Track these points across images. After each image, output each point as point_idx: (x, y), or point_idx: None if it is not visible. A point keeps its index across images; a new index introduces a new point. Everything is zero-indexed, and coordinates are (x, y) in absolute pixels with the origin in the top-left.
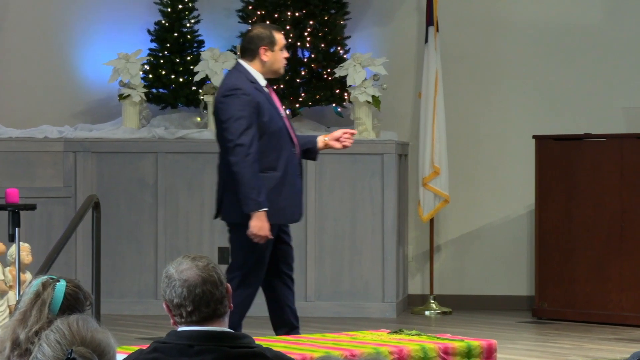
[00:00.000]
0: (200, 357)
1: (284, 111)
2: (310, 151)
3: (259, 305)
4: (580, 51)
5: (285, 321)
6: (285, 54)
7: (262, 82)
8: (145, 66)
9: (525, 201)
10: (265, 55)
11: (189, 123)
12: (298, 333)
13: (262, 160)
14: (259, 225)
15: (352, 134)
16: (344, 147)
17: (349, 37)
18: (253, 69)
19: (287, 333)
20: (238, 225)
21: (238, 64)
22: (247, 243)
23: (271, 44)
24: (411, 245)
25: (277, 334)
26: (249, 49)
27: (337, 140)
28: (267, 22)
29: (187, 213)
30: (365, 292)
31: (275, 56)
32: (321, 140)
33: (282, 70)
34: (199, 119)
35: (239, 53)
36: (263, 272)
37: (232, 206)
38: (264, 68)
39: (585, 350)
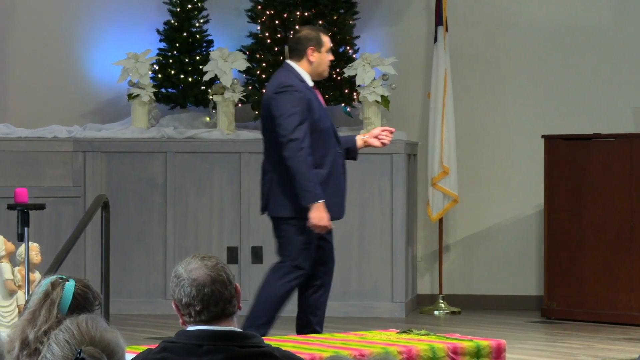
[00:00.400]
0: (209, 356)
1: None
2: (350, 151)
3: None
4: (589, 51)
5: (307, 323)
6: (331, 57)
7: (310, 82)
8: (155, 66)
9: (534, 201)
10: (312, 56)
11: (198, 123)
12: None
13: (312, 157)
14: (319, 216)
15: (391, 132)
16: (383, 144)
17: (358, 37)
18: (301, 69)
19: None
20: (289, 219)
21: (286, 63)
22: (299, 236)
23: (318, 45)
24: (420, 245)
25: (298, 333)
26: (296, 49)
27: (376, 137)
28: (313, 25)
29: (196, 213)
30: (374, 292)
31: (322, 57)
32: (360, 139)
33: (326, 73)
34: (208, 118)
35: (286, 54)
36: (310, 265)
37: (281, 201)
38: (310, 68)
39: (594, 350)
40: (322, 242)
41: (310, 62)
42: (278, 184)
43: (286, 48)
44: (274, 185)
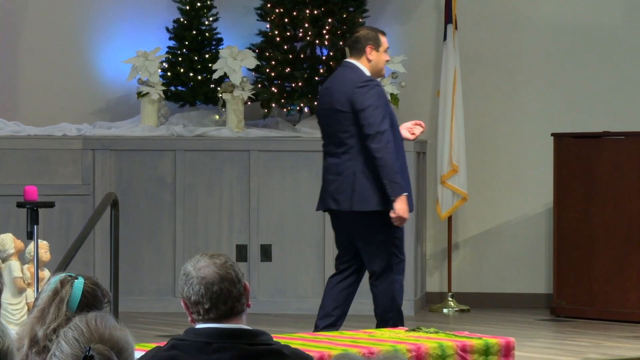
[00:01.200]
0: (218, 354)
1: None
2: None
3: (277, 303)
4: (598, 49)
5: (330, 314)
6: (387, 57)
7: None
8: (164, 64)
9: (543, 199)
10: (371, 55)
11: (207, 121)
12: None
13: None
14: (404, 207)
15: (422, 126)
16: (414, 136)
17: None
18: (363, 67)
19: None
20: (376, 213)
21: (349, 62)
22: (388, 228)
23: (376, 44)
24: (429, 243)
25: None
26: (356, 47)
27: (409, 130)
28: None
29: (205, 211)
30: None
31: (380, 57)
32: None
33: (383, 72)
34: (217, 116)
35: (347, 54)
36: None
37: (368, 195)
38: (370, 66)
39: (603, 348)
40: None
41: (369, 61)
42: (364, 177)
43: (346, 49)
44: (358, 179)
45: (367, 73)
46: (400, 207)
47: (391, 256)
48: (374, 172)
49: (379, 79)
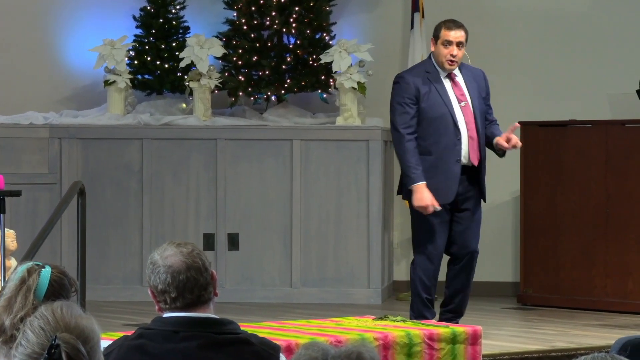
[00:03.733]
0: (185, 343)
1: (468, 99)
2: (494, 145)
3: (244, 292)
4: (566, 38)
5: (445, 302)
6: (446, 50)
7: (442, 71)
8: (131, 52)
9: (510, 187)
10: (432, 47)
11: (174, 109)
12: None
13: (420, 144)
14: (416, 197)
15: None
16: (512, 143)
17: (334, 24)
18: (431, 58)
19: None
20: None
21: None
22: (414, 217)
23: (436, 37)
24: (397, 231)
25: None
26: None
27: (507, 141)
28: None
29: (172, 200)
30: (350, 278)
31: (438, 49)
32: (497, 138)
33: (446, 65)
34: (184, 105)
35: None
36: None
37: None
38: (433, 57)
39: (570, 336)
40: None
41: (432, 52)
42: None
43: None
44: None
45: (436, 64)
46: (414, 197)
47: (416, 245)
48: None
49: (444, 72)
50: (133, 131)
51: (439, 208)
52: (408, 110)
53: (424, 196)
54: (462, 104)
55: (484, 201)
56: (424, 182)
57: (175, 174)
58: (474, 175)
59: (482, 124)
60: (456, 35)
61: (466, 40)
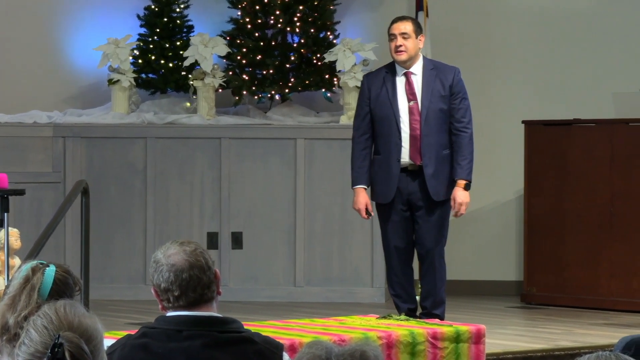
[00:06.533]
0: (189, 342)
1: (418, 98)
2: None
3: (248, 291)
4: (570, 37)
5: (421, 304)
6: (392, 43)
7: (400, 69)
8: (135, 51)
9: (514, 186)
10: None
11: (178, 108)
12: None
13: (374, 144)
14: (354, 199)
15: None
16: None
17: (338, 22)
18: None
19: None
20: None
21: None
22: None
23: (388, 33)
24: None
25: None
26: None
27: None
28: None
29: (176, 198)
30: (354, 277)
31: (390, 45)
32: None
33: (396, 57)
34: (188, 104)
35: None
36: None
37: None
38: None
39: (574, 335)
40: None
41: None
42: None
43: None
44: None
45: (394, 62)
46: (353, 200)
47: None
48: None
49: (403, 69)
50: (137, 130)
51: (368, 216)
52: (360, 112)
53: (358, 200)
54: (411, 103)
55: (436, 201)
56: (363, 186)
57: (179, 172)
58: (422, 175)
59: (435, 123)
60: (399, 27)
61: (415, 31)
